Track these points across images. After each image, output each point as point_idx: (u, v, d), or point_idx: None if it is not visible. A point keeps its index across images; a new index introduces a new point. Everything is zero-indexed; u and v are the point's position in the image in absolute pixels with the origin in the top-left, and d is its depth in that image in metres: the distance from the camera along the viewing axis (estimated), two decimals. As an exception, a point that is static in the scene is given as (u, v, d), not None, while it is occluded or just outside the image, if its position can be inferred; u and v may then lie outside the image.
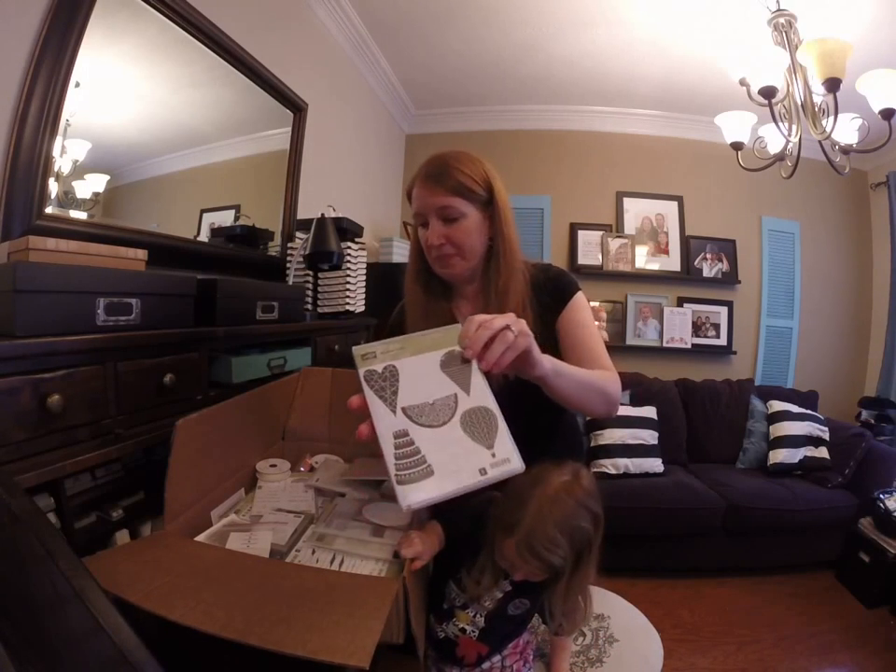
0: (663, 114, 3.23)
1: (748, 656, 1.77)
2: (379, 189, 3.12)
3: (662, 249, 3.35)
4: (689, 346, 3.27)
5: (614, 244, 3.31)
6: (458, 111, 3.38)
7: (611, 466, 2.38)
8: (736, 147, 1.93)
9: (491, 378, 0.63)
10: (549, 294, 0.96)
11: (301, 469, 1.13)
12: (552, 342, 0.95)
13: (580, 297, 0.98)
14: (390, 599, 0.61)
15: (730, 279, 3.31)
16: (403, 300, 1.05)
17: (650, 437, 2.51)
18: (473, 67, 2.78)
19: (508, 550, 0.72)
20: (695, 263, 3.31)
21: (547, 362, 0.71)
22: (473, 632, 0.78)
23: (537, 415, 0.94)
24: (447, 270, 0.93)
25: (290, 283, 1.66)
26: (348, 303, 1.78)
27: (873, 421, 2.88)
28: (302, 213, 2.00)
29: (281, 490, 1.01)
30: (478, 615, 0.78)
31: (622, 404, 2.62)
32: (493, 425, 0.59)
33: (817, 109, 1.65)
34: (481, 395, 0.60)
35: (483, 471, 0.56)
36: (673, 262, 3.34)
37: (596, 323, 1.03)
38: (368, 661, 0.49)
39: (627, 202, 3.37)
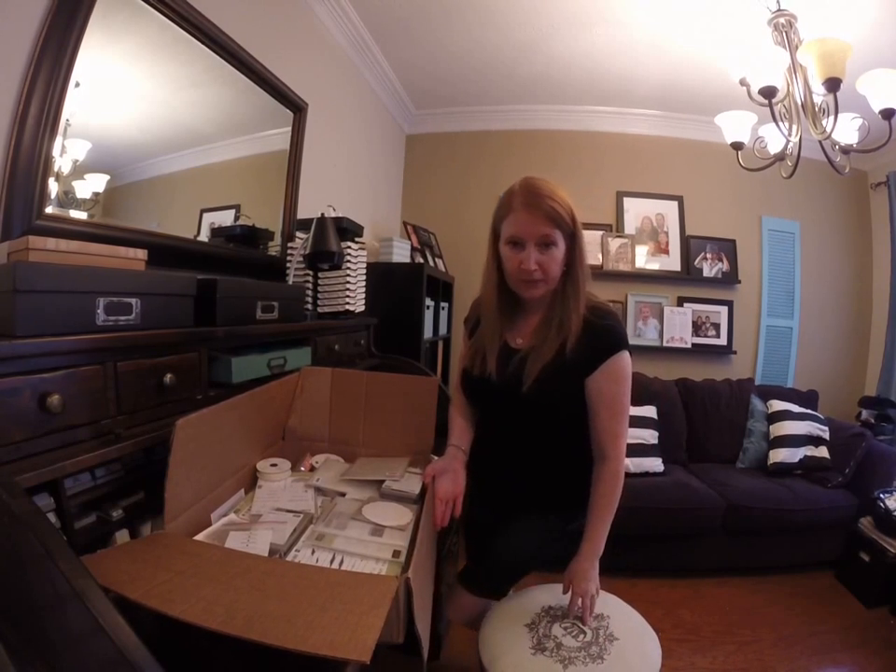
0: (663, 114, 3.23)
1: (748, 656, 1.77)
2: (379, 188, 3.12)
3: (662, 249, 3.35)
4: (689, 346, 3.27)
5: (614, 243, 3.31)
6: (458, 111, 3.38)
7: (611, 466, 2.38)
8: (736, 146, 1.93)
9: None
10: (591, 347, 0.99)
11: (302, 468, 1.13)
12: (576, 394, 1.01)
13: (618, 360, 0.99)
14: (390, 596, 0.61)
15: (730, 279, 3.31)
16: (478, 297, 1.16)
17: (650, 436, 2.51)
18: (473, 68, 2.78)
19: None
20: (695, 263, 3.31)
21: (595, 565, 1.03)
22: None
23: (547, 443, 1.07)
24: (532, 292, 1.02)
25: (290, 283, 1.66)
26: (348, 303, 1.78)
27: (873, 421, 2.88)
28: (302, 213, 2.00)
29: (281, 490, 1.01)
30: None
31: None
32: None
33: (817, 109, 1.65)
34: None
35: None
36: (673, 262, 3.34)
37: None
38: (368, 656, 0.49)
39: (627, 201, 3.37)
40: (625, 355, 1.00)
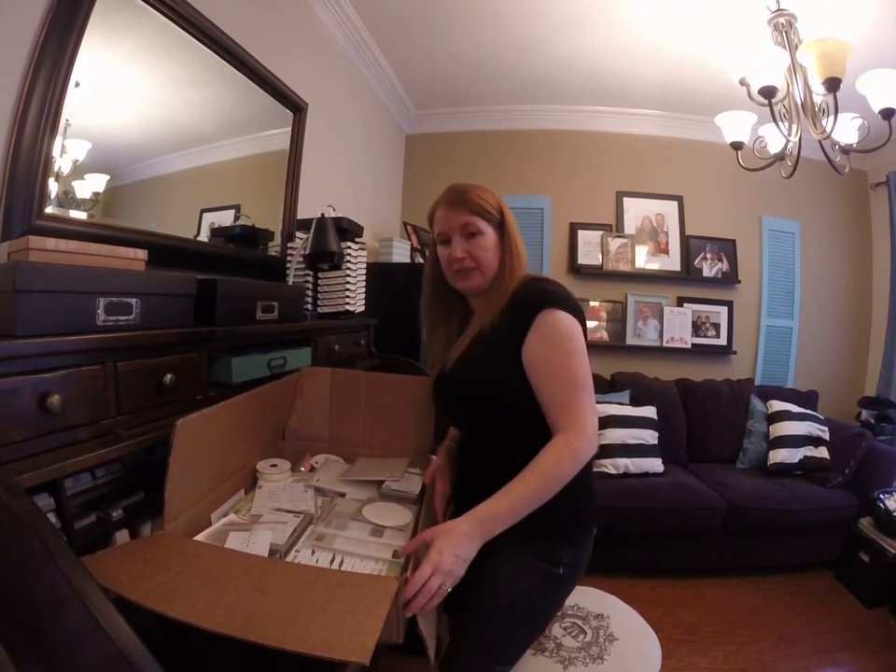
0: (663, 114, 3.23)
1: (748, 656, 1.77)
2: (379, 188, 3.12)
3: (662, 249, 3.35)
4: (689, 346, 3.27)
5: (614, 243, 3.31)
6: (458, 111, 3.38)
7: (611, 466, 2.38)
8: (736, 146, 1.93)
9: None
10: (514, 313, 0.93)
11: (302, 468, 1.13)
12: (506, 371, 0.91)
13: (545, 319, 0.89)
14: (390, 597, 0.61)
15: (730, 279, 3.31)
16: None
17: (650, 437, 2.51)
18: (473, 68, 2.78)
19: None
20: (695, 263, 3.31)
21: (476, 535, 0.75)
22: None
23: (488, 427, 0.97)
24: (466, 282, 1.00)
25: (290, 283, 1.66)
26: (348, 303, 1.78)
27: (873, 421, 2.88)
28: (302, 213, 2.00)
29: (281, 490, 1.01)
30: None
31: (621, 404, 2.63)
32: None
33: (817, 109, 1.65)
34: None
35: None
36: (673, 262, 3.34)
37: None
38: (368, 657, 0.49)
39: (627, 201, 3.37)
40: (556, 313, 0.88)
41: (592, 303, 3.29)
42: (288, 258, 1.76)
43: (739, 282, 3.31)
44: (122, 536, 0.83)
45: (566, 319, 0.89)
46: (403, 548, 0.79)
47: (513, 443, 0.91)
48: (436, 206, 1.03)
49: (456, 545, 0.72)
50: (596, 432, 0.87)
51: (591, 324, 3.25)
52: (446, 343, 1.09)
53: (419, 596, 0.65)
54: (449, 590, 0.70)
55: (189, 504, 0.82)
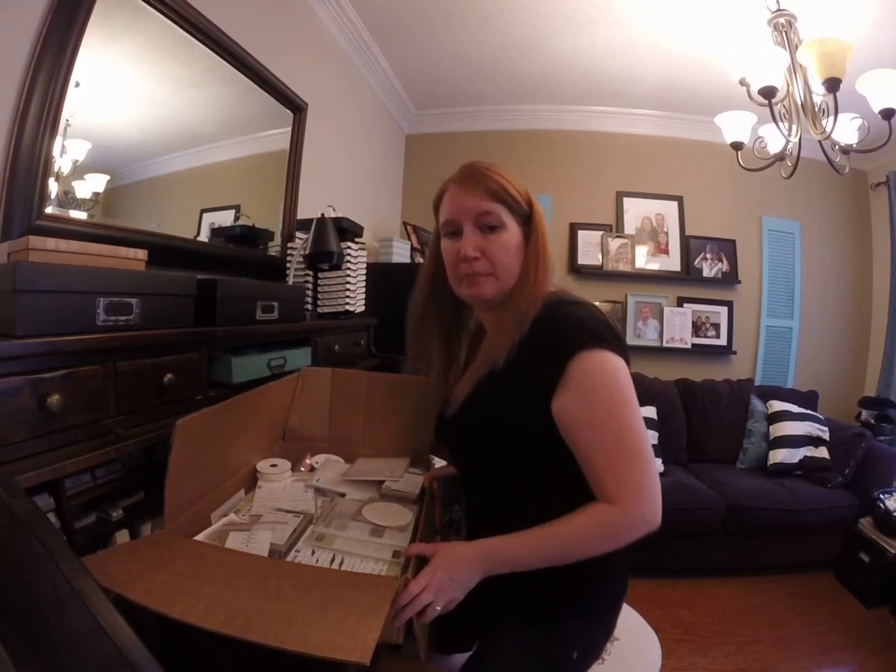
0: (663, 114, 3.23)
1: (748, 656, 1.77)
2: (379, 188, 3.12)
3: (662, 249, 3.35)
4: (689, 346, 3.27)
5: (614, 243, 3.31)
6: (458, 111, 3.38)
7: (611, 466, 2.38)
8: (736, 146, 1.93)
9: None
10: (540, 355, 0.70)
11: (302, 469, 1.13)
12: (543, 426, 0.71)
13: (581, 364, 0.67)
14: (390, 597, 0.61)
15: (730, 279, 3.31)
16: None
17: (650, 437, 2.51)
18: (473, 68, 2.78)
19: None
20: (695, 263, 3.31)
21: (477, 567, 0.67)
22: None
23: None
24: (474, 290, 0.78)
25: (290, 283, 1.66)
26: (348, 303, 1.78)
27: (873, 421, 2.88)
28: (302, 213, 2.00)
29: (281, 490, 1.01)
30: None
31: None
32: None
33: (817, 109, 1.65)
34: None
35: None
36: (673, 262, 3.34)
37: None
38: (369, 657, 0.49)
39: (627, 201, 3.37)
40: (595, 355, 0.67)
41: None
42: (288, 258, 1.76)
43: (739, 282, 3.31)
44: (122, 536, 0.83)
45: (608, 363, 0.68)
46: (406, 549, 0.77)
47: (538, 496, 0.75)
48: (445, 186, 0.83)
49: (454, 569, 0.67)
50: (655, 506, 0.66)
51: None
52: (446, 365, 0.89)
53: (407, 609, 0.63)
54: (439, 609, 0.65)
55: (188, 504, 0.82)
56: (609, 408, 0.67)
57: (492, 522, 0.77)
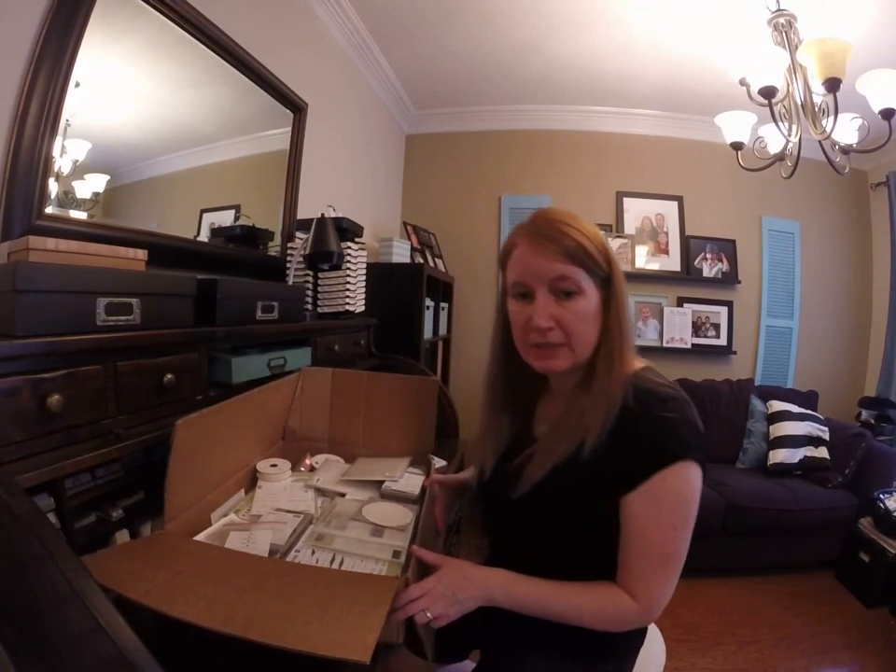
0: (663, 114, 3.23)
1: (748, 656, 1.77)
2: (379, 188, 3.12)
3: (662, 249, 3.35)
4: (689, 346, 3.27)
5: (614, 243, 3.31)
6: (458, 111, 3.38)
7: (611, 466, 2.38)
8: (736, 147, 1.93)
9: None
10: (628, 449, 0.68)
11: (302, 469, 1.13)
12: (593, 512, 0.71)
13: (671, 476, 0.66)
14: (390, 596, 0.61)
15: (730, 279, 3.30)
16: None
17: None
18: (473, 68, 2.78)
19: None
20: (695, 263, 3.31)
21: (481, 594, 0.69)
22: None
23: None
24: (546, 363, 0.73)
25: (290, 283, 1.66)
26: (348, 303, 1.78)
27: (873, 421, 2.88)
28: (302, 213, 2.00)
29: (281, 490, 1.01)
30: None
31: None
32: None
33: (817, 109, 1.65)
34: None
35: None
36: (673, 262, 3.34)
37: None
38: (368, 656, 0.49)
39: (627, 201, 3.37)
40: (686, 469, 0.66)
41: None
42: (288, 258, 1.76)
43: (739, 282, 3.31)
44: (122, 536, 0.83)
45: (693, 481, 0.67)
46: (410, 547, 0.77)
47: (569, 556, 0.75)
48: (514, 240, 0.75)
49: (459, 586, 0.68)
50: (662, 610, 0.70)
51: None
52: (510, 435, 0.84)
53: (400, 610, 0.64)
54: (429, 618, 0.65)
55: (188, 504, 0.82)
56: (671, 525, 0.67)
57: (514, 558, 0.77)
